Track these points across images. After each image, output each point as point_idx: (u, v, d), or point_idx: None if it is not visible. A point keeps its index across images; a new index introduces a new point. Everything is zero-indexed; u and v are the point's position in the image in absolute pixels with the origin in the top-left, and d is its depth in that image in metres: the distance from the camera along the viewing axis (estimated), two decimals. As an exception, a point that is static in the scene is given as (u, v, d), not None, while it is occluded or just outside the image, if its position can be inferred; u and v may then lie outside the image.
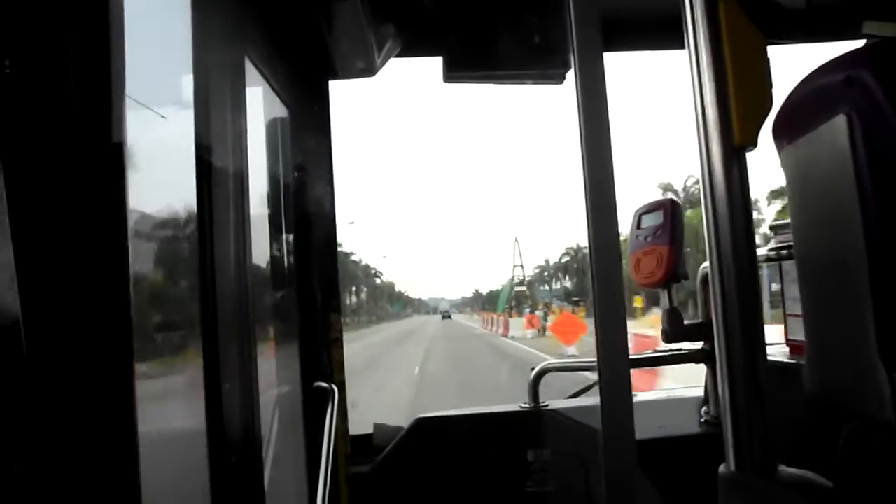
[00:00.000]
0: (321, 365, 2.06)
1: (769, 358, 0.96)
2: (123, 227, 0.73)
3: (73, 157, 0.69)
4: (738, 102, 0.94)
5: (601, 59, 1.08)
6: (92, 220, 0.70)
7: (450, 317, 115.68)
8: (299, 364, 2.05)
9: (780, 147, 1.30)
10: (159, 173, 1.26)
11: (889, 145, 1.06)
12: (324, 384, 1.98)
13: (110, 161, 0.71)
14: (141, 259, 1.14)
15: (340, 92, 2.22)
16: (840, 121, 1.09)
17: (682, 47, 1.02)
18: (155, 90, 1.19)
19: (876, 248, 1.05)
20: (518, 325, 39.81)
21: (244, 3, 1.61)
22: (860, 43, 1.49)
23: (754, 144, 0.95)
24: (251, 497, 1.51)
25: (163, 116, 1.19)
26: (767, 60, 0.96)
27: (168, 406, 1.30)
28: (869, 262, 1.05)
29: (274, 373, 1.95)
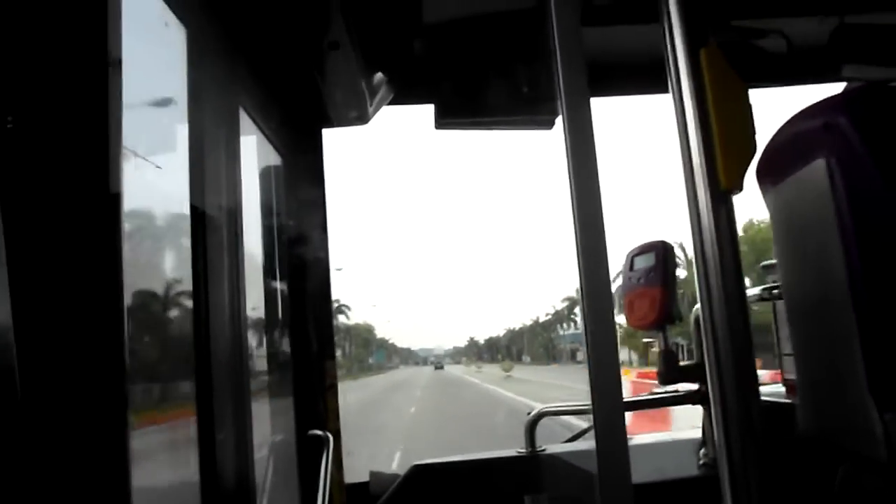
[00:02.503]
0: (316, 413, 2.04)
1: (764, 398, 0.96)
2: (119, 276, 0.74)
3: (71, 207, 0.70)
4: (722, 147, 0.96)
5: (588, 104, 1.10)
6: (88, 269, 0.70)
7: (442, 367, 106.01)
8: (294, 412, 2.03)
9: (763, 190, 1.32)
10: (155, 223, 1.27)
11: (867, 188, 1.08)
12: (318, 432, 1.96)
13: (107, 211, 0.73)
14: (136, 308, 1.14)
15: (335, 138, 2.23)
16: (819, 165, 1.11)
17: (667, 91, 1.04)
18: (151, 140, 1.21)
19: (860, 287, 1.06)
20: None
21: (238, 54, 1.64)
22: (841, 86, 1.53)
23: (740, 188, 0.97)
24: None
25: (158, 167, 1.20)
26: (750, 105, 0.99)
27: (161, 456, 1.29)
28: (853, 301, 1.06)
29: (268, 421, 1.93)
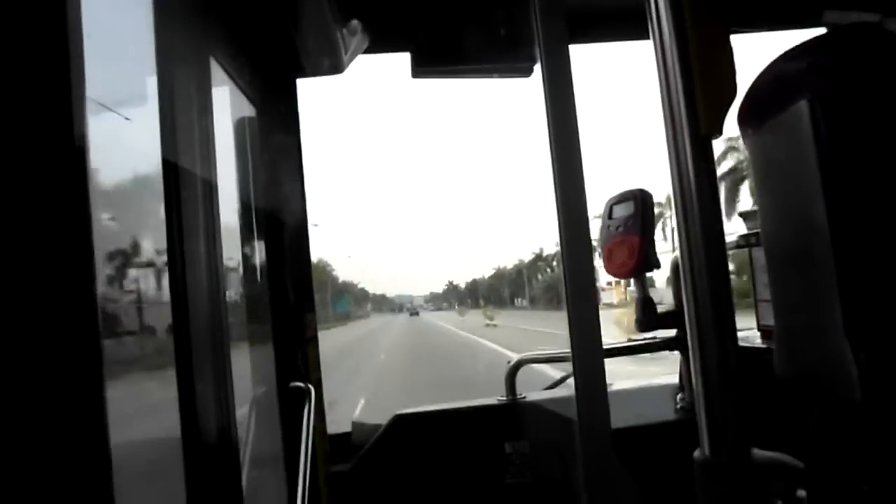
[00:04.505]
0: (297, 364, 2.05)
1: (740, 343, 0.98)
2: (88, 231, 0.72)
3: (34, 162, 0.67)
4: (702, 91, 0.95)
5: (567, 51, 1.09)
6: (56, 225, 0.68)
7: (417, 314, 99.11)
8: (274, 364, 2.03)
9: (745, 134, 1.32)
10: (124, 176, 1.24)
11: (851, 130, 1.08)
12: (300, 384, 1.97)
13: (73, 165, 0.70)
14: (109, 264, 1.12)
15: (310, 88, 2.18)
16: (803, 107, 1.11)
17: (647, 38, 1.03)
18: (118, 91, 1.17)
19: (840, 232, 1.07)
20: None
21: (208, 2, 1.59)
22: (822, 30, 1.52)
23: (720, 132, 0.96)
24: (229, 500, 1.50)
25: (126, 118, 1.17)
26: (731, 49, 0.97)
27: (142, 411, 1.29)
28: (833, 245, 1.07)
29: (249, 374, 1.93)
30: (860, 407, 1.07)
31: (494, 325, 44.55)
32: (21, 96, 0.67)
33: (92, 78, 0.74)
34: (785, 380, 1.32)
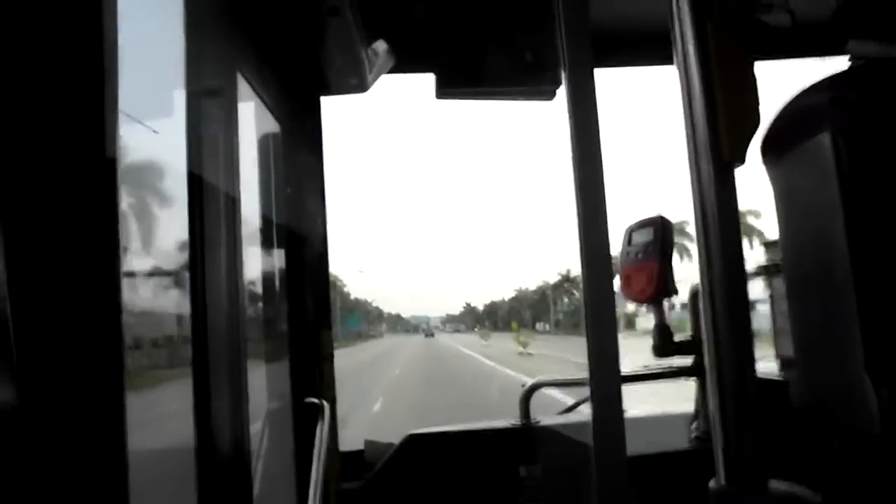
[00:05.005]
0: (312, 381, 2.05)
1: (758, 373, 0.97)
2: (115, 241, 0.73)
3: (66, 172, 0.69)
4: (725, 119, 0.95)
5: (592, 74, 1.09)
6: (84, 234, 0.70)
7: (433, 335, 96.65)
8: (290, 380, 2.04)
9: (767, 165, 1.32)
10: (151, 188, 1.26)
11: (872, 164, 1.08)
12: (314, 400, 1.97)
13: (103, 176, 0.72)
14: (132, 274, 1.13)
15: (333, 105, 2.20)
16: (825, 139, 1.11)
17: (672, 63, 1.03)
18: (147, 105, 1.19)
19: (861, 264, 1.06)
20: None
21: (237, 19, 1.62)
22: (845, 59, 1.51)
23: (742, 160, 0.96)
24: (240, 514, 1.50)
25: (155, 131, 1.19)
26: (754, 77, 0.98)
27: (157, 423, 1.29)
28: (854, 278, 1.07)
29: (264, 388, 1.94)
30: (879, 441, 1.06)
31: (530, 354, 35.29)
32: (56, 108, 0.69)
33: (123, 91, 0.76)
34: (803, 410, 1.30)
